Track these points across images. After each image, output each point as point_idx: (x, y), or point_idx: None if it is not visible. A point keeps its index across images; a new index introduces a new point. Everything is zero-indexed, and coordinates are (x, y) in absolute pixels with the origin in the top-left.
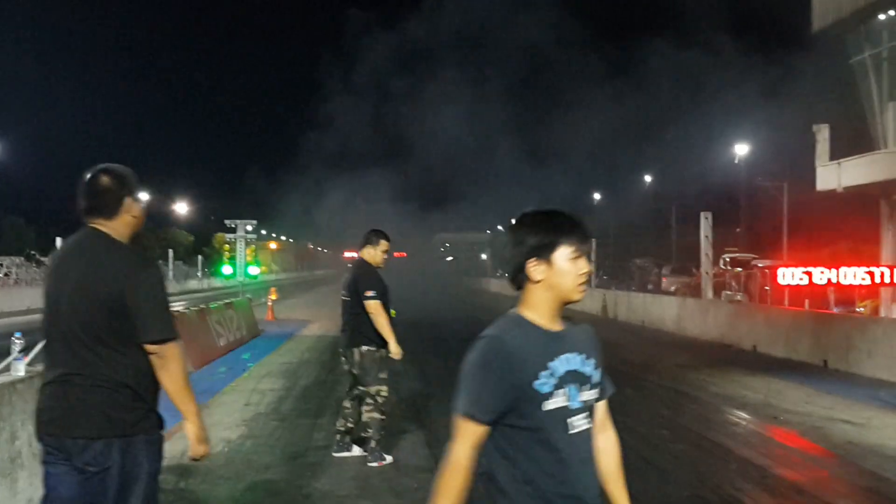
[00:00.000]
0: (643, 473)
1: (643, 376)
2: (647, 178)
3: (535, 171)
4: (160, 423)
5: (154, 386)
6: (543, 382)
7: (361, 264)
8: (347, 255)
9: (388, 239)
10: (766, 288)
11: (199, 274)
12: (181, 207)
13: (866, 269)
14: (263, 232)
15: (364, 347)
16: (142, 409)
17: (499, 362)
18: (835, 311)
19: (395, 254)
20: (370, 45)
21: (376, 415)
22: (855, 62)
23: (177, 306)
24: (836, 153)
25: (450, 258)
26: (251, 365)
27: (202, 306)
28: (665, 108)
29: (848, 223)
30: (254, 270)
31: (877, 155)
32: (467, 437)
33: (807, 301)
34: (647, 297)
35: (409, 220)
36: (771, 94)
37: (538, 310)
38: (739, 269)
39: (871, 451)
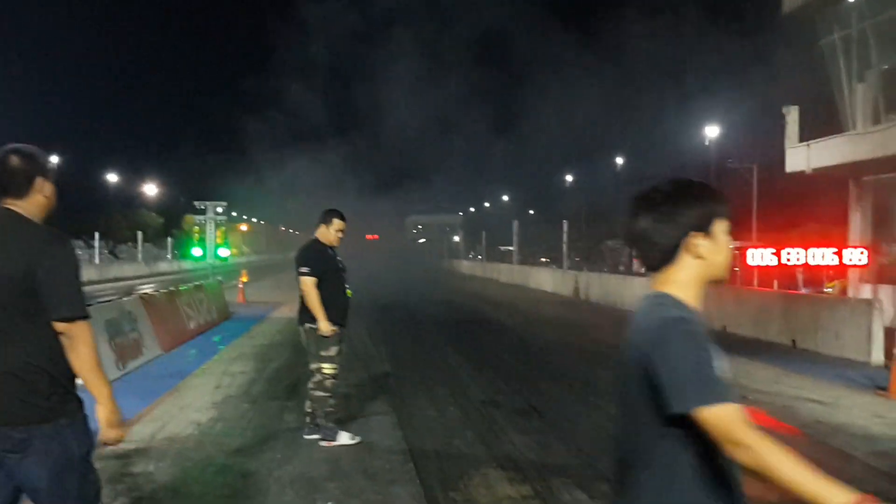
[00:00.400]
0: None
1: (614, 356)
2: (619, 160)
3: (507, 153)
4: (80, 405)
5: (72, 369)
6: (718, 368)
7: (309, 243)
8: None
9: (342, 218)
10: (736, 269)
11: (169, 256)
12: (150, 189)
13: (834, 251)
14: (234, 214)
15: (307, 325)
16: (60, 393)
17: (708, 344)
18: (803, 291)
19: (368, 236)
20: (335, 21)
21: (318, 392)
22: (824, 44)
23: (146, 289)
24: (806, 135)
25: (422, 240)
26: (222, 347)
27: (172, 288)
28: (636, 90)
29: (817, 204)
30: (224, 252)
31: (845, 136)
32: (741, 419)
33: (776, 282)
34: (618, 278)
35: (381, 203)
36: (742, 75)
37: (690, 290)
38: None
39: (839, 430)
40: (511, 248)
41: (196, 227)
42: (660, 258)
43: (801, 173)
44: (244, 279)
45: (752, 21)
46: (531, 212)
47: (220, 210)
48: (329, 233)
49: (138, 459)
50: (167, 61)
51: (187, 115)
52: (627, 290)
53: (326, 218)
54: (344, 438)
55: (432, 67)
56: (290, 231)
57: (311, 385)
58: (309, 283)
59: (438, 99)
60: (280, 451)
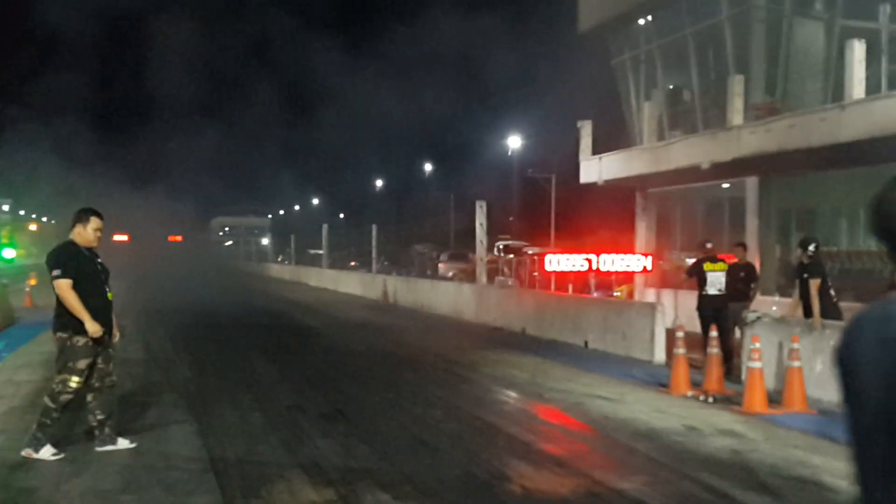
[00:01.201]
0: (417, 453)
1: (420, 359)
2: (428, 167)
3: (317, 157)
4: None
5: None
6: None
7: (62, 244)
8: (117, 238)
9: (100, 216)
10: (535, 274)
11: None
12: None
13: (624, 257)
14: (22, 212)
15: (58, 333)
16: None
17: None
18: (595, 295)
19: (171, 237)
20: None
21: (49, 402)
22: (616, 63)
23: None
24: (600, 148)
25: (229, 242)
26: (6, 355)
27: None
28: (443, 99)
29: (609, 214)
30: (9, 253)
31: (633, 151)
32: None
33: (570, 286)
34: (425, 282)
35: (186, 204)
36: (544, 90)
37: None
38: (512, 255)
39: (624, 425)
40: (321, 251)
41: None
42: None
43: (594, 184)
44: (33, 282)
45: (553, 38)
46: (341, 215)
47: (5, 208)
48: (87, 233)
49: None
50: None
51: None
52: (433, 294)
53: (82, 217)
54: (46, 453)
55: (243, 65)
56: None
57: (47, 392)
58: (65, 287)
59: (243, 100)
60: (69, 465)
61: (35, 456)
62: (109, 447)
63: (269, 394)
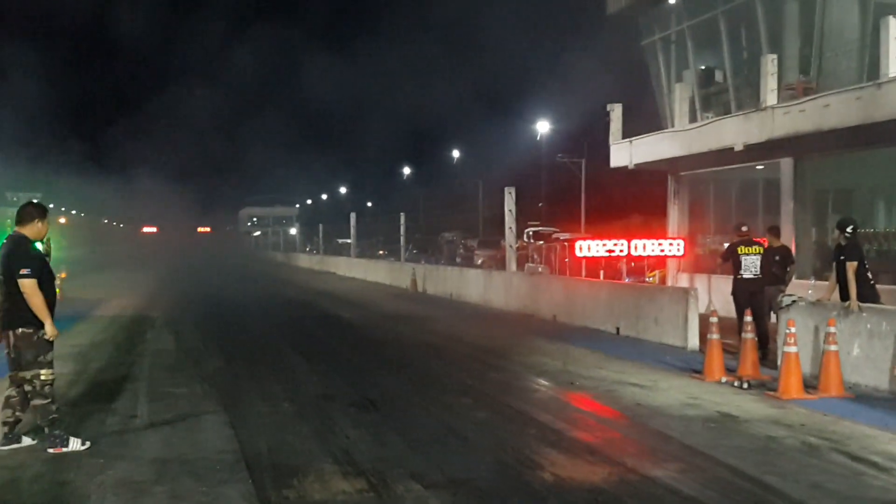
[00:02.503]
0: (447, 442)
1: (449, 347)
2: (455, 154)
3: (344, 147)
4: None
5: None
6: None
7: (19, 240)
8: (146, 230)
9: (45, 212)
10: (566, 260)
11: None
12: None
13: (656, 242)
14: (52, 205)
15: (21, 329)
16: None
17: None
18: (626, 281)
19: (200, 229)
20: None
21: (38, 401)
22: (646, 44)
23: None
24: (631, 131)
25: (257, 233)
26: None
27: None
28: (472, 85)
29: (640, 198)
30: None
31: (664, 133)
32: None
33: (601, 272)
34: (454, 270)
35: (214, 195)
36: (572, 74)
37: None
38: (542, 241)
39: (657, 412)
40: (349, 240)
41: (8, 221)
42: None
43: (625, 168)
44: (62, 275)
45: (581, 21)
46: (369, 204)
47: (35, 201)
48: (42, 228)
49: None
50: None
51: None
52: (463, 281)
53: (41, 212)
54: (75, 445)
55: (272, 53)
56: (115, 224)
57: (28, 394)
58: (33, 286)
59: (273, 90)
60: (102, 456)
61: (66, 450)
62: (14, 445)
63: (299, 384)
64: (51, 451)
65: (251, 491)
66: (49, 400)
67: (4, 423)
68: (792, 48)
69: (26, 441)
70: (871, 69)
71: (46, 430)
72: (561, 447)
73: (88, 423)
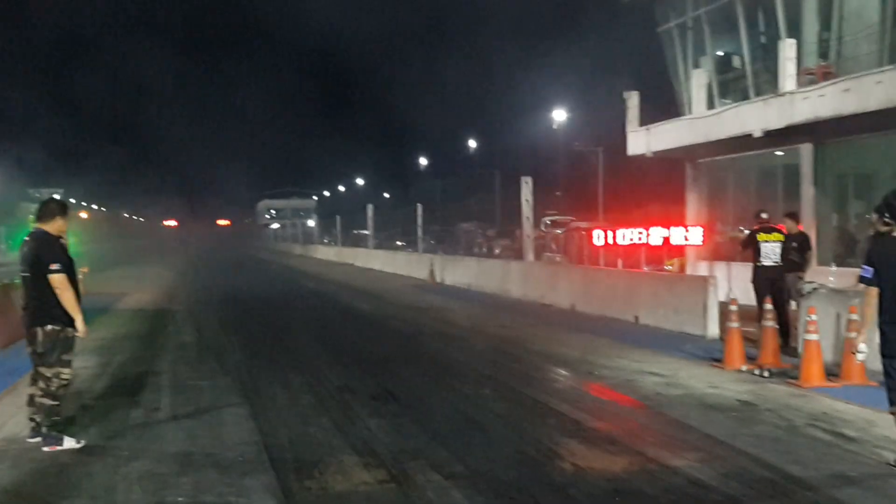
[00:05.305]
0: (467, 432)
1: (468, 338)
2: (472, 144)
3: (362, 136)
4: None
5: None
6: None
7: (45, 236)
8: (167, 223)
9: (66, 209)
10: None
11: (3, 247)
12: None
13: (674, 230)
14: (73, 200)
15: (49, 326)
16: None
17: None
18: (645, 269)
19: (218, 221)
20: None
21: (46, 401)
22: (662, 31)
23: None
24: (648, 119)
25: (276, 225)
26: None
27: (6, 282)
28: (487, 75)
29: (658, 186)
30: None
31: (682, 121)
32: None
33: (620, 260)
34: (472, 260)
35: (232, 187)
36: (588, 62)
37: None
38: (559, 230)
39: (677, 401)
40: (366, 231)
41: (31, 217)
42: None
43: (643, 156)
44: (84, 270)
45: (597, 8)
46: (386, 195)
47: (57, 197)
48: (63, 225)
49: None
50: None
51: (32, 98)
52: (480, 271)
53: (62, 209)
54: (70, 443)
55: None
56: (135, 218)
57: (38, 392)
58: (64, 281)
59: (293, 80)
60: (127, 449)
61: (60, 448)
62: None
63: (319, 375)
64: (45, 449)
65: (274, 482)
66: (58, 402)
67: (31, 420)
68: (810, 32)
69: (68, 442)
70: (893, 52)
71: (45, 428)
72: (581, 437)
73: (113, 415)
